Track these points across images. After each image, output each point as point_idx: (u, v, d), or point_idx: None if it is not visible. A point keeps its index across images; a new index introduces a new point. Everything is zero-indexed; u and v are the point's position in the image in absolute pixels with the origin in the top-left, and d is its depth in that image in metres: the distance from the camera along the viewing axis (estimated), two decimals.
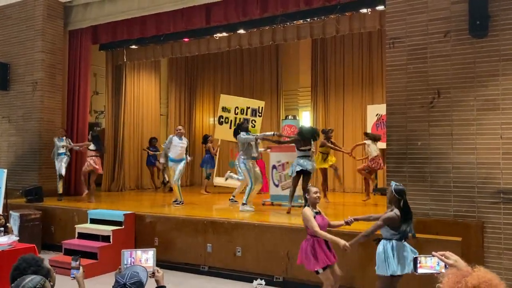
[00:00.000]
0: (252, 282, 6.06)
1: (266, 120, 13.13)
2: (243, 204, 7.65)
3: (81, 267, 3.12)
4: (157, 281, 2.96)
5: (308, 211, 4.57)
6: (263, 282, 5.98)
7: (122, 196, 11.03)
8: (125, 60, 11.77)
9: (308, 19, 8.92)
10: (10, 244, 5.43)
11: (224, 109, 10.89)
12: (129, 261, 2.99)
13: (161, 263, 2.98)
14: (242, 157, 7.90)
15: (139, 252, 3.02)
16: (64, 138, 9.30)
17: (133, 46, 11.07)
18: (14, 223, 7.63)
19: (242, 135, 7.97)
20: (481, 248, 5.41)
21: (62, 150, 9.14)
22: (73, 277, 3.09)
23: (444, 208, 5.67)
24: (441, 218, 5.65)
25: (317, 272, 4.54)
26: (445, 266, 2.02)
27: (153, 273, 2.95)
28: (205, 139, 11.54)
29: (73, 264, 3.14)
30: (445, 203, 5.67)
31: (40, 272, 2.53)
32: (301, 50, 12.84)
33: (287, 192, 8.00)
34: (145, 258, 3.00)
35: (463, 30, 5.64)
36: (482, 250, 5.40)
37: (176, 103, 14.19)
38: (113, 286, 2.56)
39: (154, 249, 3.06)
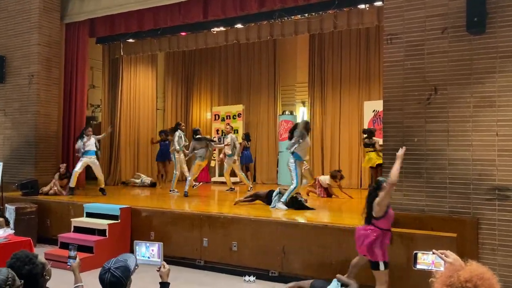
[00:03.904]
0: (245, 276, 6.07)
1: (263, 115, 13.14)
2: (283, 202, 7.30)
3: (77, 257, 3.14)
4: (160, 276, 2.94)
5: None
6: (251, 278, 5.99)
7: (118, 190, 11.01)
8: (122, 53, 11.71)
9: (306, 14, 8.91)
10: (6, 237, 5.44)
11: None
12: (143, 252, 3.01)
13: None
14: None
15: (148, 244, 3.03)
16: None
17: (130, 40, 11.01)
18: (9, 216, 7.62)
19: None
20: (476, 244, 5.44)
21: (93, 148, 9.04)
22: (70, 265, 3.12)
23: (440, 204, 5.69)
24: (436, 214, 5.68)
25: (377, 266, 4.31)
26: (444, 264, 2.02)
27: (159, 267, 2.95)
28: (249, 136, 11.96)
29: (71, 253, 3.17)
30: (441, 199, 5.69)
31: (35, 270, 2.49)
32: (299, 46, 12.82)
33: None
34: (152, 251, 3.02)
35: (460, 26, 5.64)
36: (476, 246, 5.43)
37: (173, 97, 14.15)
38: (99, 272, 2.56)
39: (161, 243, 3.06)
